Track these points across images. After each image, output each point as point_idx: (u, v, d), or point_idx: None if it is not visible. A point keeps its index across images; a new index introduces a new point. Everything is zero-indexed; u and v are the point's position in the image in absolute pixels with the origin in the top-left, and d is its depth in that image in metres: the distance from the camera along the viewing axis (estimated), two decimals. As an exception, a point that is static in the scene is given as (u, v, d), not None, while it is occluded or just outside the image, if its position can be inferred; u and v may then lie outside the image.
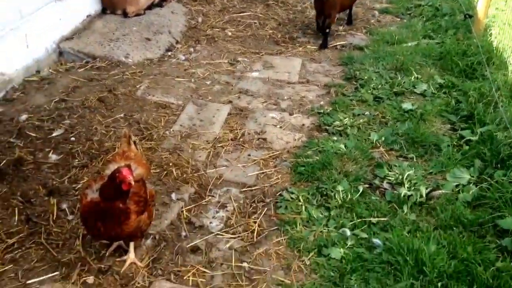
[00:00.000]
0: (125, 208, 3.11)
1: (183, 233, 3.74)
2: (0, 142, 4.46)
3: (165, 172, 4.33)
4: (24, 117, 4.87)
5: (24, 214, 3.78)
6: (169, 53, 6.46)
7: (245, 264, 3.52)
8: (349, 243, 3.67)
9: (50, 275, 3.34)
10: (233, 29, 7.24)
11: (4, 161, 4.24)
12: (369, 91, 5.75)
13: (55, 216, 3.79)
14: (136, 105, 5.29)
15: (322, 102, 5.61)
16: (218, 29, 7.20)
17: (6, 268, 3.35)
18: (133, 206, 3.17)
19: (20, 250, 3.50)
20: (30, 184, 4.06)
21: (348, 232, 3.77)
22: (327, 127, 5.13)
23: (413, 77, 5.97)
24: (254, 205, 4.08)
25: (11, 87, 5.34)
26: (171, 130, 4.95)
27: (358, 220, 3.89)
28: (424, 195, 4.13)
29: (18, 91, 5.35)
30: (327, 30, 6.79)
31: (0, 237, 3.55)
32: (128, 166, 3.09)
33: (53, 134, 4.70)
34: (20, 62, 5.49)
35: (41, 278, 3.31)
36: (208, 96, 5.60)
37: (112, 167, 3.39)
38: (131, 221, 3.14)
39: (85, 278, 3.32)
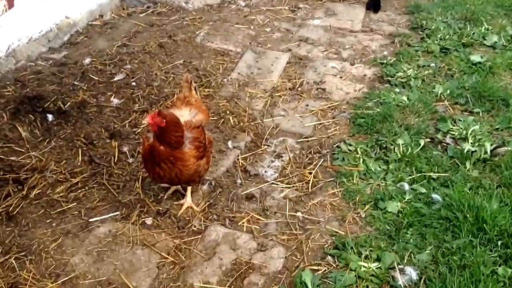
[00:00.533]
0: (171, 152, 3.13)
1: (239, 181, 3.77)
2: (65, 84, 4.58)
3: (222, 119, 4.34)
4: (87, 60, 4.97)
5: (87, 155, 3.91)
6: (229, -1, 6.36)
7: (299, 214, 3.52)
8: (407, 197, 3.59)
9: (111, 214, 3.46)
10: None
11: (69, 103, 4.37)
12: (436, 42, 5.48)
13: (116, 159, 3.90)
14: (195, 51, 5.28)
15: (385, 52, 5.40)
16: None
17: (70, 206, 3.50)
18: (193, 151, 3.21)
19: (83, 189, 3.63)
20: (93, 127, 4.18)
21: (407, 187, 3.68)
22: (390, 78, 4.95)
23: (483, 28, 5.62)
24: (310, 156, 4.03)
25: (75, 31, 5.45)
26: (229, 77, 4.92)
27: (418, 175, 3.77)
28: (488, 152, 3.95)
29: (82, 35, 5.45)
30: None
31: (65, 176, 3.70)
32: (159, 111, 3.08)
33: (115, 79, 4.78)
34: (84, 6, 5.57)
35: (103, 217, 3.44)
36: (267, 43, 5.50)
37: (174, 112, 3.43)
38: (189, 165, 3.19)
39: (144, 219, 3.43)
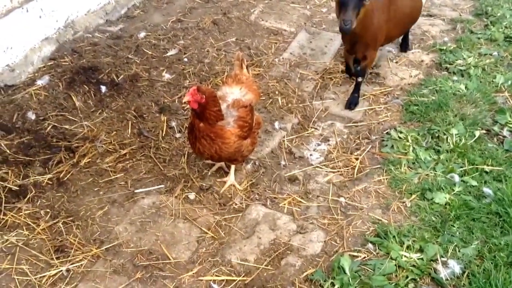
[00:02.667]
0: (211, 128, 3.13)
1: (283, 162, 3.74)
2: (119, 57, 4.67)
3: (271, 100, 4.31)
4: (142, 34, 5.04)
5: (136, 128, 3.98)
6: (287, -22, 6.25)
7: (342, 199, 3.46)
8: (456, 189, 3.46)
9: (156, 187, 3.52)
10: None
11: (122, 76, 4.45)
12: (501, 30, 5.22)
13: (164, 133, 3.95)
14: (248, 29, 5.25)
15: (445, 38, 5.19)
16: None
17: (117, 176, 3.59)
18: (236, 129, 3.20)
19: (131, 161, 3.71)
20: (144, 100, 4.25)
21: (457, 178, 3.54)
22: (448, 66, 4.76)
23: (552, 17, 5.29)
24: (358, 141, 3.95)
25: (132, 5, 5.53)
26: (281, 57, 4.87)
27: (470, 167, 3.63)
28: (548, 148, 3.75)
29: (139, 9, 5.52)
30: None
31: (114, 147, 3.79)
32: (197, 87, 3.04)
33: (168, 54, 4.82)
34: (142, -20, 5.63)
35: (148, 189, 3.51)
36: (322, 24, 5.40)
37: (224, 89, 3.43)
38: (230, 143, 3.18)
39: (187, 194, 3.47)
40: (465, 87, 4.41)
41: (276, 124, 4.05)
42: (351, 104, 4.27)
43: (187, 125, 3.90)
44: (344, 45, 4.30)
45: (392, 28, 4.18)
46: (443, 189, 3.47)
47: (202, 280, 2.93)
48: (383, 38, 4.18)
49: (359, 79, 4.24)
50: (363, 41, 4.01)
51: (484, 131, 3.98)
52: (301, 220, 3.30)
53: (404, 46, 5.01)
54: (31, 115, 3.94)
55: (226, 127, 3.18)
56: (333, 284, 2.88)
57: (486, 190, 3.44)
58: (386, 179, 3.61)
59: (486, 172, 3.60)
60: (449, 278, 2.93)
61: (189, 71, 4.61)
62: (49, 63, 4.49)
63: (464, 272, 2.96)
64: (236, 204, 3.41)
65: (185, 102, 3.07)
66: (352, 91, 4.32)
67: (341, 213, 3.36)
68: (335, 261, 3.00)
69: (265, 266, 3.01)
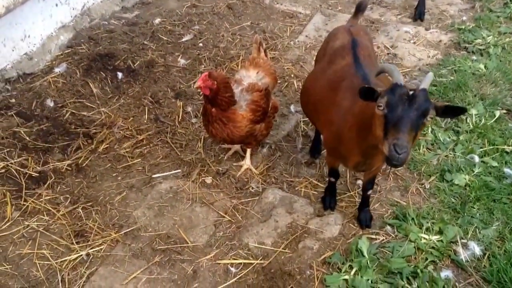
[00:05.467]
0: (223, 112, 3.13)
1: (299, 146, 3.72)
2: (135, 43, 4.68)
3: (286, 83, 4.28)
4: (157, 20, 5.04)
5: (153, 114, 4.00)
6: (301, -40, 6.17)
7: (359, 182, 3.44)
8: (476, 170, 3.41)
9: (173, 172, 3.54)
10: None
11: (138, 62, 4.46)
12: (522, 7, 5.09)
13: (180, 118, 3.96)
14: (263, 13, 5.21)
15: (464, 18, 5.08)
16: None
17: (135, 161, 3.61)
18: (248, 113, 3.18)
19: (148, 146, 3.74)
20: (160, 86, 4.26)
21: (477, 159, 3.49)
22: (467, 45, 4.67)
23: None
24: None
25: (147, -9, 5.51)
26: (296, 40, 4.82)
27: (490, 147, 3.57)
28: None
29: (154, -5, 5.52)
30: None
31: (132, 133, 3.81)
32: (209, 73, 3.02)
33: (183, 39, 4.82)
34: (156, -34, 5.60)
35: (165, 173, 3.53)
36: (337, 6, 5.33)
37: (242, 72, 3.41)
38: (241, 127, 3.17)
39: (204, 178, 3.48)
40: (485, 67, 4.32)
41: (292, 108, 4.03)
42: (367, 221, 3.16)
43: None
44: (347, 159, 2.79)
45: None
46: (462, 170, 3.42)
47: (219, 263, 2.95)
48: None
49: (370, 192, 3.11)
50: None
51: (504, 111, 3.91)
52: (318, 203, 3.29)
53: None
54: (50, 103, 3.98)
55: (238, 111, 3.17)
56: (351, 267, 2.87)
57: (507, 170, 3.38)
58: (404, 161, 3.57)
59: (507, 153, 3.54)
60: (469, 260, 2.90)
61: (205, 56, 4.60)
62: (66, 51, 4.52)
63: (484, 254, 2.93)
64: (252, 188, 3.41)
65: (197, 88, 3.06)
66: (362, 206, 3.18)
67: (359, 195, 3.34)
68: (353, 243, 2.99)
69: (282, 249, 3.02)
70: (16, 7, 3.99)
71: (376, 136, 2.26)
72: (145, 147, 3.73)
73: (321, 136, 3.46)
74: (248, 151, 3.55)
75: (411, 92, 2.16)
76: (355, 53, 2.84)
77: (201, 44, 4.75)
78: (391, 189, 3.39)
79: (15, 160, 3.50)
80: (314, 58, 3.47)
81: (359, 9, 3.36)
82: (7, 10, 3.92)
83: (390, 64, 2.48)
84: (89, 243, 3.05)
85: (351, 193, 3.37)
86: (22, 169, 3.45)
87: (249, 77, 3.38)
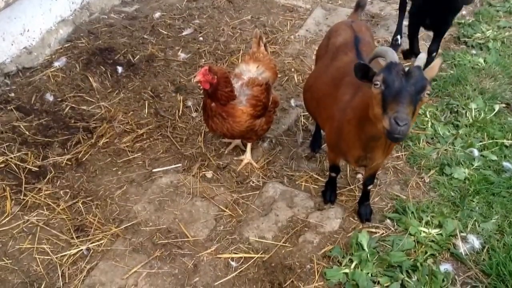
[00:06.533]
0: (222, 107, 3.13)
1: (300, 140, 3.73)
2: (135, 38, 4.67)
3: (287, 77, 4.28)
4: (157, 15, 5.03)
5: (153, 108, 3.99)
6: (301, -47, 6.15)
7: (359, 176, 3.44)
8: (475, 164, 3.42)
9: (173, 166, 3.54)
10: None
11: (138, 56, 4.46)
12: (522, 0, 5.08)
13: (180, 112, 3.96)
14: (263, 7, 5.20)
15: (463, 12, 5.08)
16: None
17: (135, 155, 3.61)
18: (248, 108, 3.18)
19: (148, 140, 3.73)
20: (160, 80, 4.26)
21: (476, 153, 3.50)
22: (467, 39, 4.67)
23: None
24: (376, 117, 3.91)
25: (146, -15, 5.49)
26: (296, 34, 4.82)
27: (489, 141, 3.58)
28: None
29: (153, -10, 5.50)
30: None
31: (132, 127, 3.81)
32: (209, 67, 3.02)
33: (183, 33, 4.81)
34: (155, -40, 5.58)
35: (165, 168, 3.53)
36: (338, 0, 5.31)
37: (242, 67, 3.40)
38: (241, 121, 3.17)
39: (204, 172, 3.49)
40: (484, 61, 4.33)
41: (292, 102, 4.03)
42: (367, 215, 3.18)
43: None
44: (347, 154, 2.78)
45: None
46: (462, 164, 3.43)
47: (220, 257, 2.96)
48: None
49: (370, 187, 3.12)
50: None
51: (503, 105, 3.92)
52: (319, 197, 3.30)
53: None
54: (49, 97, 3.97)
55: (238, 106, 3.16)
56: (351, 261, 2.88)
57: (506, 164, 3.39)
58: (405, 155, 3.58)
59: (506, 146, 3.55)
60: (468, 253, 2.92)
61: (205, 50, 4.59)
62: (66, 45, 4.51)
63: (484, 247, 2.94)
64: (253, 182, 3.42)
65: (196, 82, 3.06)
66: (362, 200, 3.19)
67: (359, 189, 3.35)
68: (353, 237, 3.00)
69: (283, 243, 3.02)
70: (15, 0, 3.98)
71: (374, 115, 2.25)
72: (145, 141, 3.73)
73: (321, 131, 3.47)
74: (249, 145, 3.55)
75: (406, 69, 2.17)
76: (357, 50, 2.85)
77: (201, 38, 4.75)
78: (391, 183, 3.40)
79: (15, 155, 3.50)
80: (315, 54, 3.47)
81: (360, 5, 3.36)
82: (6, 4, 3.91)
83: (383, 46, 2.49)
84: (89, 237, 3.06)
85: (351, 187, 3.37)
86: (21, 164, 3.45)
87: (249, 71, 3.38)
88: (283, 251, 2.98)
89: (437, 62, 2.30)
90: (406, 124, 2.08)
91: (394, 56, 2.23)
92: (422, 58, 2.27)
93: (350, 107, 2.62)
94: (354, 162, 2.79)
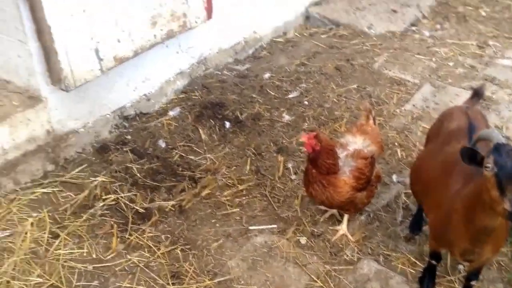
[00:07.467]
0: (324, 175, 3.16)
1: (399, 218, 3.66)
2: (244, 95, 4.89)
3: (390, 151, 4.27)
4: (267, 75, 5.24)
5: (254, 165, 4.12)
6: (413, 28, 6.20)
7: (461, 267, 3.30)
8: None
9: (269, 226, 3.61)
10: (489, 9, 6.59)
11: (245, 113, 4.65)
12: None
13: (280, 173, 4.05)
14: (370, 78, 5.26)
15: None
16: (471, 8, 6.63)
17: (234, 210, 3.72)
18: (351, 180, 3.20)
19: (247, 197, 3.84)
20: (263, 139, 4.40)
21: None
22: None
23: None
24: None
25: (259, 45, 5.77)
26: (403, 109, 4.81)
27: None
28: None
29: (265, 50, 5.75)
30: None
31: (233, 182, 3.94)
32: (317, 133, 3.10)
33: (289, 96, 4.96)
34: (271, 23, 5.87)
35: (261, 227, 3.60)
36: (448, 78, 5.27)
37: (348, 137, 3.46)
38: (342, 192, 3.18)
39: (298, 238, 3.51)
40: None
41: (394, 177, 4.00)
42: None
43: (303, 168, 3.98)
44: (453, 245, 2.72)
45: None
46: None
47: (308, 328, 2.94)
48: None
49: (474, 283, 2.98)
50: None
51: None
52: (415, 283, 3.20)
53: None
54: (162, 143, 4.23)
55: (341, 176, 3.19)
56: None
57: None
58: (510, 251, 3.41)
59: None
60: None
61: (309, 114, 4.70)
62: (181, 96, 4.81)
63: None
64: (347, 256, 3.39)
65: (300, 141, 3.14)
66: None
67: (459, 281, 3.21)
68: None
69: (373, 325, 2.96)
70: (143, 51, 4.32)
71: (491, 198, 2.23)
72: (244, 198, 3.84)
73: (423, 214, 3.40)
74: (346, 216, 3.55)
75: None
76: (471, 138, 2.81)
77: (306, 102, 4.87)
78: (493, 279, 3.23)
79: (125, 194, 3.74)
80: (426, 134, 3.45)
81: (478, 93, 3.33)
82: (135, 54, 4.25)
83: (487, 129, 2.49)
84: (184, 286, 3.16)
85: (451, 277, 3.25)
86: (130, 204, 3.67)
87: (355, 143, 3.41)
88: (373, 334, 2.91)
89: None
90: None
91: (499, 137, 2.26)
92: None
93: (460, 196, 2.57)
94: (459, 255, 2.71)
